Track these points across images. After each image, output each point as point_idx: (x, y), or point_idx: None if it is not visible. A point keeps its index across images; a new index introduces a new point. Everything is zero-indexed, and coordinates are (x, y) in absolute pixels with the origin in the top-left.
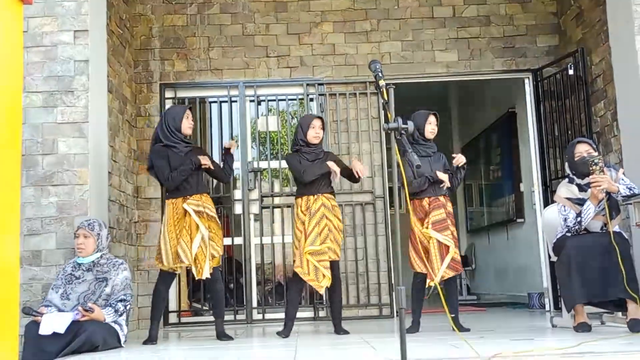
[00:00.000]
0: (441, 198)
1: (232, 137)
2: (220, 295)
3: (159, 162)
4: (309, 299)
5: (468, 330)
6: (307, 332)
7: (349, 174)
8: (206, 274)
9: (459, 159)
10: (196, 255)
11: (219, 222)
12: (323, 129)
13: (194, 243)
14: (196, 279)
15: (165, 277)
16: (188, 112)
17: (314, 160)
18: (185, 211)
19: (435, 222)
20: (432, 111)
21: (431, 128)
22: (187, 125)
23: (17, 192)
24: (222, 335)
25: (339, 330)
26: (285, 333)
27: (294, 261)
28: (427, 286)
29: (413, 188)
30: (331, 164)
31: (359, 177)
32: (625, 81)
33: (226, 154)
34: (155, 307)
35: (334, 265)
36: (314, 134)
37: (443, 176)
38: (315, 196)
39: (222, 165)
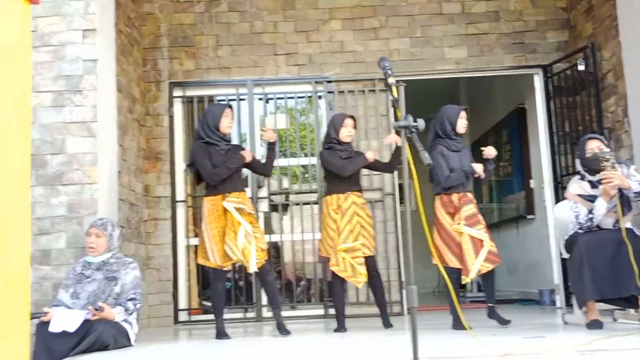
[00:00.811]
0: (469, 194)
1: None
2: (272, 287)
3: (202, 159)
4: (319, 297)
5: (509, 322)
6: (317, 329)
7: (378, 166)
8: (253, 267)
9: (489, 151)
10: (242, 250)
11: (256, 217)
12: (355, 127)
13: (238, 239)
14: (248, 272)
15: (217, 274)
16: (227, 110)
17: (347, 158)
18: (225, 209)
19: (467, 217)
20: (463, 106)
21: (463, 123)
22: (225, 124)
23: (27, 191)
24: (281, 328)
25: (386, 324)
26: (339, 328)
27: (328, 259)
28: (462, 282)
29: (451, 182)
30: (371, 154)
31: (398, 146)
32: (636, 76)
33: (269, 148)
34: (214, 305)
35: (370, 261)
36: (347, 132)
37: (478, 167)
38: (346, 194)
39: (264, 161)
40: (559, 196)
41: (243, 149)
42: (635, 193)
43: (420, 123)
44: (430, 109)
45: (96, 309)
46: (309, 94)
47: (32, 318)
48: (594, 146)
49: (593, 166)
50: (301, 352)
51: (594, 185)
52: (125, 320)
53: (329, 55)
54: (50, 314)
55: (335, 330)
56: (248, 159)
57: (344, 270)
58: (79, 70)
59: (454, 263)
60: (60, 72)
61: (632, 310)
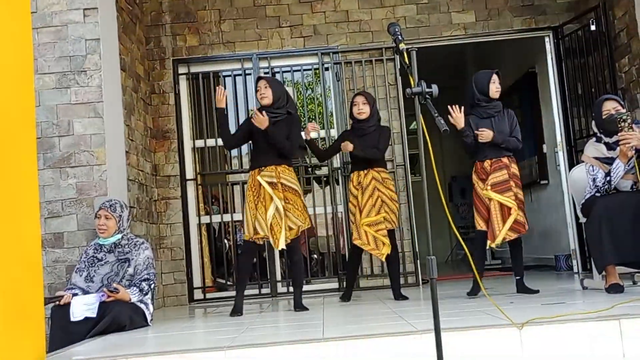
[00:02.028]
0: (504, 159)
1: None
2: (298, 266)
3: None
4: (333, 270)
5: (537, 291)
6: (333, 303)
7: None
8: (282, 245)
9: (482, 137)
10: (271, 225)
11: (301, 193)
12: (368, 103)
13: (268, 214)
14: (275, 249)
15: (245, 246)
16: (260, 83)
17: (362, 135)
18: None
19: (496, 183)
20: (494, 70)
21: (496, 87)
22: (259, 97)
23: (34, 175)
24: (298, 306)
25: (397, 296)
26: (345, 298)
27: (351, 234)
28: (487, 247)
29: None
30: (345, 145)
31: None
32: None
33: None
34: (236, 277)
35: (390, 234)
36: (357, 110)
37: (485, 133)
38: (366, 170)
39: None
40: (573, 160)
41: (289, 120)
42: None
43: (435, 89)
44: (438, 78)
45: (111, 291)
46: (316, 66)
47: (47, 303)
48: (610, 107)
49: (610, 127)
50: (329, 326)
51: (610, 147)
52: (141, 301)
53: (334, 25)
54: (66, 297)
55: (341, 298)
56: (261, 123)
57: (367, 243)
58: (82, 51)
59: (480, 225)
60: (63, 52)
61: None
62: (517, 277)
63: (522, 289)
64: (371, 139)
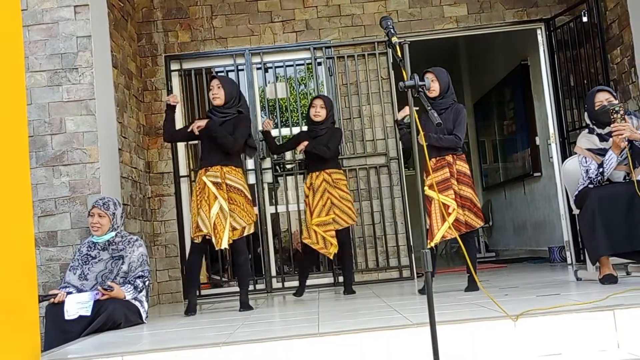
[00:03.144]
0: (448, 157)
1: None
2: (242, 268)
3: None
4: (327, 266)
5: (476, 289)
6: (328, 298)
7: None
8: (224, 244)
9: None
10: (214, 225)
11: (247, 194)
12: (325, 107)
13: (211, 213)
14: (215, 249)
15: (193, 247)
16: (212, 82)
17: (315, 137)
18: (205, 183)
19: (438, 182)
20: (425, 69)
21: (428, 85)
22: (211, 96)
23: (26, 174)
24: (244, 306)
25: (347, 290)
26: (298, 293)
27: (301, 233)
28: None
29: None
30: (301, 144)
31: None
32: None
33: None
34: (187, 277)
35: (341, 232)
36: (313, 112)
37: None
38: (318, 172)
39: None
40: (566, 152)
41: (240, 118)
42: None
43: (427, 82)
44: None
45: (105, 289)
46: (308, 61)
47: (41, 300)
48: (602, 98)
49: (602, 119)
50: (324, 321)
51: (603, 138)
52: (136, 298)
53: (327, 19)
54: (60, 295)
55: (294, 294)
56: (200, 127)
57: (316, 242)
58: (73, 48)
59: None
60: (55, 50)
61: None
62: (468, 274)
63: (470, 283)
64: (322, 140)
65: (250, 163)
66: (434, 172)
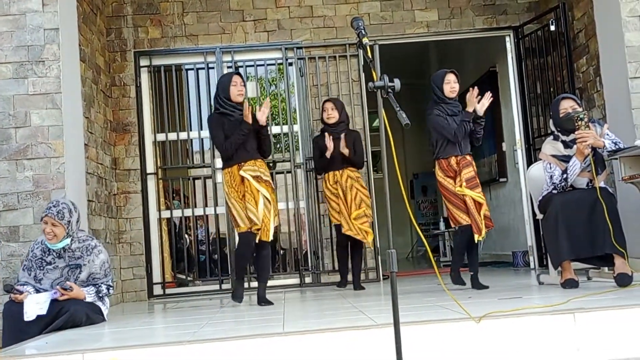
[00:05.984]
0: (468, 157)
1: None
2: (265, 260)
3: (214, 131)
4: (294, 266)
5: (487, 287)
6: (294, 298)
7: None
8: (271, 236)
9: (473, 98)
10: (262, 217)
11: (273, 186)
12: (337, 108)
13: (259, 207)
14: (260, 240)
15: (245, 238)
16: (235, 78)
17: (335, 139)
18: (243, 177)
19: (467, 179)
20: (450, 69)
21: (450, 87)
22: (235, 93)
23: None
24: (262, 300)
25: (356, 286)
26: (341, 285)
27: (339, 225)
28: (476, 241)
29: (460, 134)
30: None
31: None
32: (608, 35)
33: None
34: (237, 268)
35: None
36: (326, 115)
37: (472, 107)
38: (341, 171)
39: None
40: (531, 158)
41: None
42: (609, 152)
43: (397, 83)
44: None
45: (65, 289)
46: (279, 61)
47: (7, 291)
48: (567, 106)
49: (567, 126)
50: (289, 321)
51: (567, 145)
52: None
53: (299, 20)
54: (23, 295)
55: (338, 286)
56: (246, 117)
57: (357, 233)
58: (40, 40)
59: (465, 220)
60: (21, 42)
61: (605, 269)
62: (472, 273)
63: (475, 283)
64: (349, 145)
65: (219, 162)
66: (463, 169)
